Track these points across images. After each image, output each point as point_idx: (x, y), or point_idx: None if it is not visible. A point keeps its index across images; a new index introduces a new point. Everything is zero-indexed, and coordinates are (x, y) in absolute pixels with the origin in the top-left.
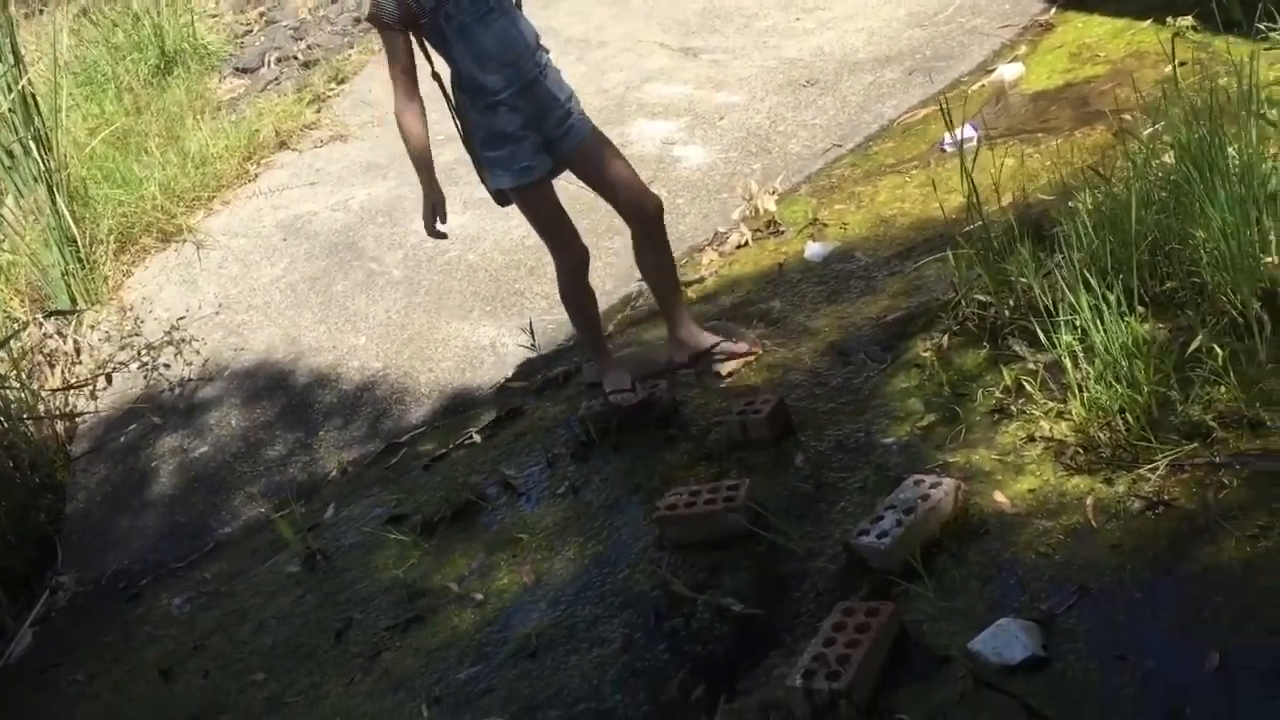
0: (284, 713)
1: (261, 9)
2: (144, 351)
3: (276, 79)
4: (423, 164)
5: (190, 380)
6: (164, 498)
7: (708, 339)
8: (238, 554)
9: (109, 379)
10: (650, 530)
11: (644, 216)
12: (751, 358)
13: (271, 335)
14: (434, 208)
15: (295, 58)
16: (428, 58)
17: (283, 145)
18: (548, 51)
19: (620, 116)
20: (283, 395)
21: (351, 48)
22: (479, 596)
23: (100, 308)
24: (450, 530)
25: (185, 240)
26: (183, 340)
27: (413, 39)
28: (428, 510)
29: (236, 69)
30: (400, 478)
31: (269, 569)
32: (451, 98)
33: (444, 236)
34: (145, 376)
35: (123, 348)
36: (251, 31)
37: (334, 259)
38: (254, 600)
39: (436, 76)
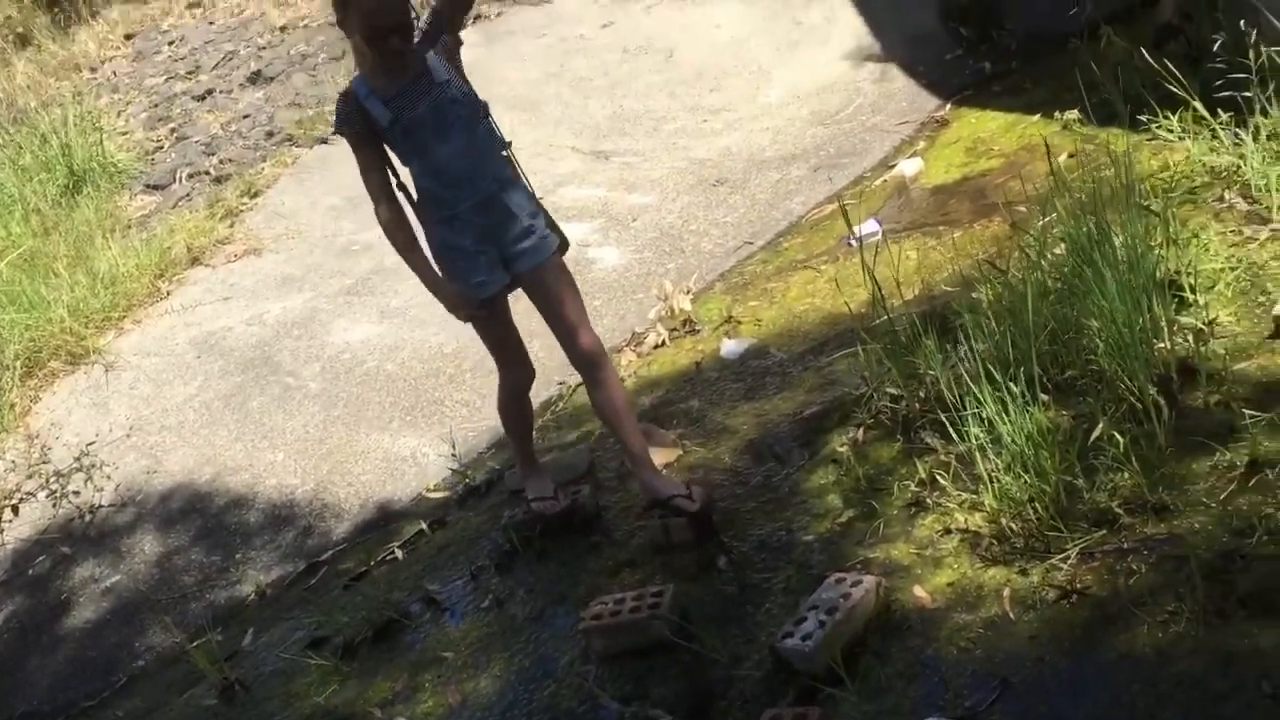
0: None
1: (172, 125)
2: (52, 479)
3: (188, 195)
4: (415, 267)
5: (101, 507)
6: (75, 632)
7: (667, 489)
8: (152, 688)
9: (15, 510)
10: (576, 641)
11: (587, 363)
12: (689, 502)
13: (186, 456)
14: (450, 299)
15: (207, 173)
16: (393, 170)
17: (195, 261)
18: (511, 164)
19: None
20: (199, 518)
21: (264, 161)
22: None
23: (6, 436)
24: (373, 652)
25: (95, 362)
26: (93, 466)
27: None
28: (349, 632)
29: (147, 186)
30: (321, 598)
31: (185, 703)
32: (415, 208)
33: (483, 310)
34: (54, 505)
35: (30, 476)
36: (162, 148)
37: (249, 374)
38: None
39: (402, 188)
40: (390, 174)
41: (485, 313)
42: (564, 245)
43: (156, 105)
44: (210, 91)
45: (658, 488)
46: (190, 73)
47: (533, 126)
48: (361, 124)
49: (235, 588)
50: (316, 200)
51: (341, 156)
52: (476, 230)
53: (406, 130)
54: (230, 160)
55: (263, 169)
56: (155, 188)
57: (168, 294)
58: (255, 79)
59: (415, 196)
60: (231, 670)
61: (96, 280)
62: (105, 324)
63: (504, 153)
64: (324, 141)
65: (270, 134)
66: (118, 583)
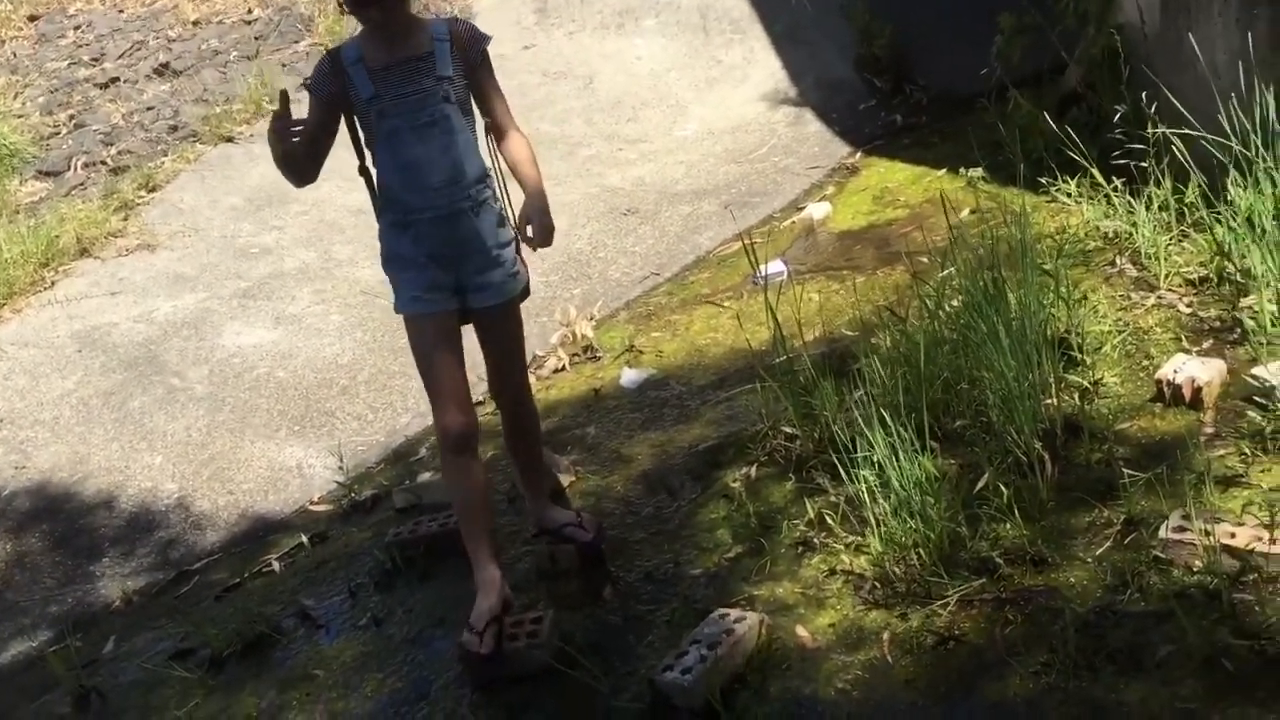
0: None
1: (71, 111)
2: None
3: (83, 184)
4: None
5: None
6: None
7: (559, 519)
8: (2, 692)
9: None
10: (453, 666)
11: (512, 397)
12: (581, 531)
13: (58, 453)
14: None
15: (104, 163)
16: (359, 152)
17: (84, 253)
18: (490, 189)
19: None
20: (65, 518)
21: (165, 155)
22: None
23: None
24: (240, 666)
25: None
26: None
27: (356, 123)
28: (217, 644)
29: (40, 172)
30: (189, 608)
31: (37, 709)
32: (375, 199)
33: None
34: None
35: None
36: (59, 134)
37: (132, 373)
38: None
39: (365, 172)
40: (358, 155)
41: (299, 127)
42: (526, 290)
43: (56, 90)
44: (114, 80)
45: (550, 518)
46: (95, 60)
47: None
48: (336, 90)
49: (99, 593)
50: (217, 199)
51: (246, 157)
52: (428, 245)
53: (383, 114)
54: (129, 152)
55: (163, 163)
56: (48, 174)
57: (52, 284)
58: (163, 71)
59: (377, 190)
60: (89, 678)
61: None
62: None
63: (487, 173)
64: (230, 140)
65: (174, 128)
66: None
